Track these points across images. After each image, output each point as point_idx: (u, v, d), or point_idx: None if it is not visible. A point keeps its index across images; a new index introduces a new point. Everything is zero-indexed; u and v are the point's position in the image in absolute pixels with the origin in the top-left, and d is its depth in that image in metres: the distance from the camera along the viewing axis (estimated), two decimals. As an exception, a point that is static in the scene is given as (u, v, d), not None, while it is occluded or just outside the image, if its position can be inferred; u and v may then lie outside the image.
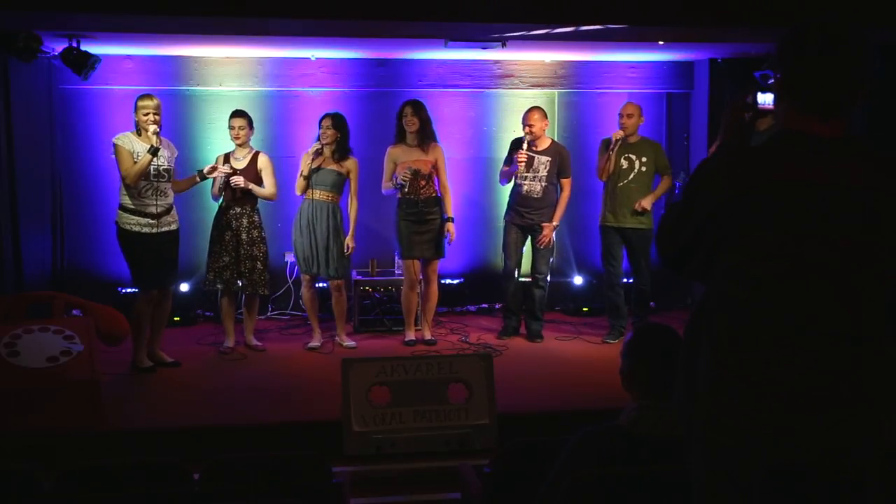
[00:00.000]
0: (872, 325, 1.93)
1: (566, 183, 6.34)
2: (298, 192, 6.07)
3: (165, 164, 5.52)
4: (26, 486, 2.76)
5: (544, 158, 6.24)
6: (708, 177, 2.02)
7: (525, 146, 6.15)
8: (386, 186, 6.20)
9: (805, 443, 1.89)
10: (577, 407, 4.82)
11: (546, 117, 6.32)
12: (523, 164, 6.14)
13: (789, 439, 1.89)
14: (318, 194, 6.02)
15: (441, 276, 6.47)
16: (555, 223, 6.32)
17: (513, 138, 6.49)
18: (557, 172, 6.27)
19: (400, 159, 6.14)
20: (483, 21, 5.40)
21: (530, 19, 5.39)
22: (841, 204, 1.89)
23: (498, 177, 6.61)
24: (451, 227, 6.21)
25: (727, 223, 1.94)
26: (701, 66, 7.48)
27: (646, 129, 7.60)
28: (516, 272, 6.45)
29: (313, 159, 5.98)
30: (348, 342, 6.23)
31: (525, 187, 6.26)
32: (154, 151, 5.35)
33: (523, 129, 6.23)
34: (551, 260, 6.53)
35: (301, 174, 6.01)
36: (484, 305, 7.49)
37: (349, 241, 6.10)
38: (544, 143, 6.27)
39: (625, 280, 6.53)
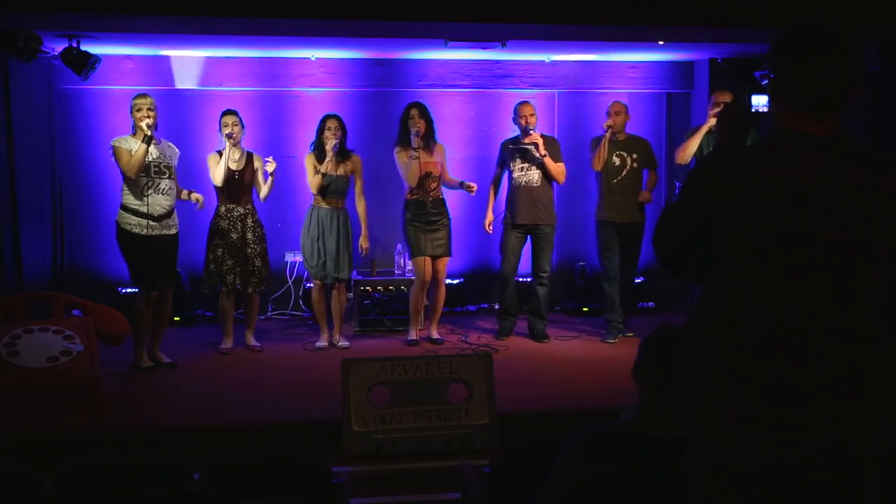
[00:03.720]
0: (870, 322, 1.94)
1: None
2: (316, 191, 6.06)
3: (165, 160, 5.53)
4: (26, 486, 2.76)
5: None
6: (703, 177, 2.03)
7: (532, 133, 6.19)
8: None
9: (804, 441, 1.89)
10: (577, 407, 4.82)
11: None
12: (539, 140, 6.16)
13: (788, 437, 1.89)
14: (329, 202, 6.06)
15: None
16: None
17: (503, 141, 6.49)
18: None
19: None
20: (483, 21, 5.40)
21: (531, 19, 5.38)
22: (835, 201, 1.90)
23: (491, 182, 6.56)
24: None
25: (723, 222, 1.95)
26: (701, 66, 7.48)
27: (646, 129, 7.62)
28: (513, 275, 6.45)
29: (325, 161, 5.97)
30: (342, 342, 6.24)
31: (524, 179, 6.28)
32: (147, 141, 5.37)
33: (520, 121, 6.25)
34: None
35: (319, 173, 5.98)
36: (484, 305, 7.49)
37: (364, 242, 6.20)
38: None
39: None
